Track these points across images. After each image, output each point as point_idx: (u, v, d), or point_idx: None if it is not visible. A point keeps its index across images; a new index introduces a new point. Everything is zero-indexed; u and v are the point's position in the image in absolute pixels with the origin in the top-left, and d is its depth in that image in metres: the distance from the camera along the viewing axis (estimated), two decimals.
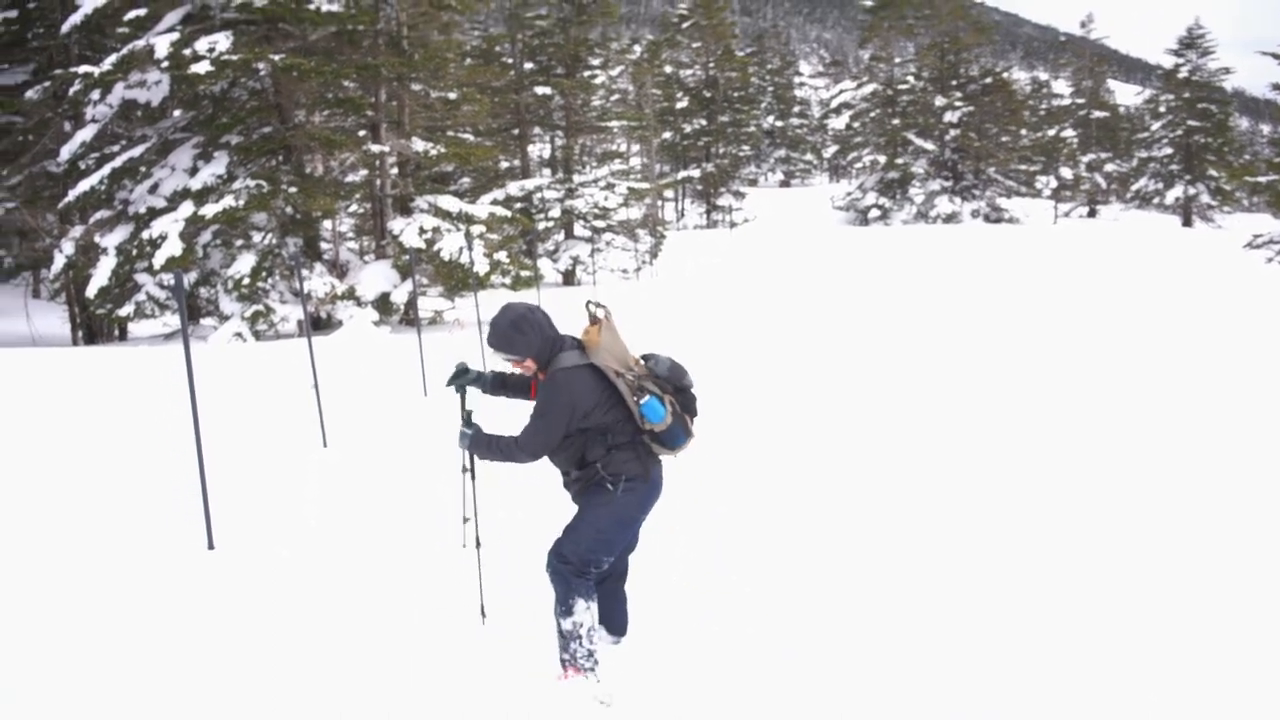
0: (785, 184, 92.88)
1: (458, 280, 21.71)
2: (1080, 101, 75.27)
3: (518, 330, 4.58)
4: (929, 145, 61.69)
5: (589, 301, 4.71)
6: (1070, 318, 18.43)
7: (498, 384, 5.08)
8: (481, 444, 4.70)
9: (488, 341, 4.67)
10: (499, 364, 5.48)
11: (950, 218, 59.19)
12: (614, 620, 5.02)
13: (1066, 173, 66.57)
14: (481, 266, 20.93)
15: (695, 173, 65.69)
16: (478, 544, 5.39)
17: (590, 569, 4.62)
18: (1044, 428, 9.98)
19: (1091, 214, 68.83)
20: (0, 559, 6.77)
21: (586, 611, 4.58)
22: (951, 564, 6.22)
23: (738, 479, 8.37)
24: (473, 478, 5.34)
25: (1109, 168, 71.27)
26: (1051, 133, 68.19)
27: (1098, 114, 74.49)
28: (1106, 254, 35.51)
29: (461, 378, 5.05)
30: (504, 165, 35.77)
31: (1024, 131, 66.33)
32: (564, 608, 4.58)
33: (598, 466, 4.58)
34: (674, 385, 4.73)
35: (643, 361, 4.79)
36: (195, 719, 4.52)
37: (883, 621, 5.39)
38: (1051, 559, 6.26)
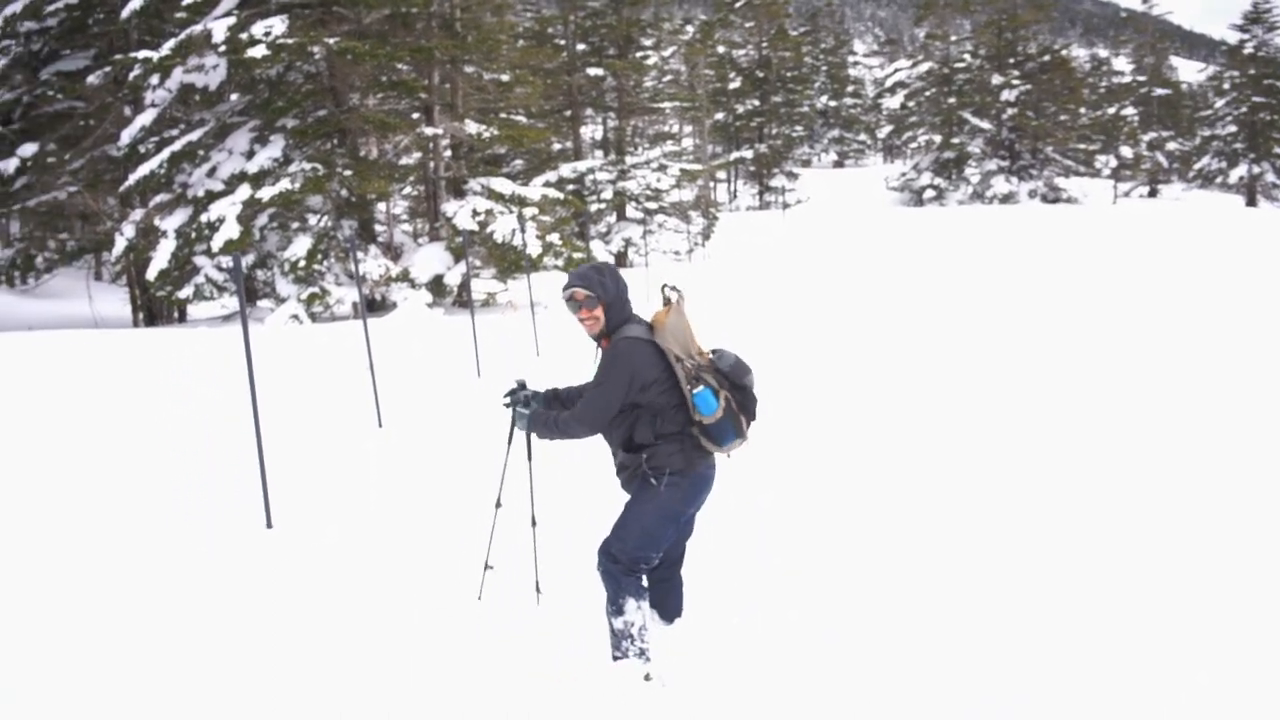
0: (839, 164, 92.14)
1: (510, 262, 21.79)
2: (1141, 79, 73.83)
3: (598, 271, 4.58)
4: (985, 124, 60.91)
5: (665, 285, 4.66)
6: (1130, 302, 18.11)
7: (551, 399, 5.02)
8: (540, 422, 4.67)
9: (566, 284, 4.58)
10: (546, 371, 5.64)
11: (1007, 198, 58.43)
12: (666, 605, 4.95)
13: (1126, 152, 65.31)
14: (534, 248, 20.98)
15: (748, 154, 65.30)
16: (533, 522, 5.42)
17: (640, 565, 4.58)
18: (1105, 418, 9.84)
19: (1152, 194, 67.64)
20: (66, 537, 6.93)
21: (638, 611, 4.54)
22: (1007, 557, 6.16)
23: (786, 467, 8.34)
24: (529, 458, 5.31)
25: (1170, 146, 70.05)
26: (1111, 111, 66.90)
27: (1159, 91, 73.07)
28: (1168, 235, 34.84)
29: (519, 395, 4.96)
30: (556, 147, 35.75)
31: (1083, 110, 65.15)
32: (615, 607, 4.55)
33: (642, 459, 4.52)
34: (733, 382, 4.61)
35: (707, 353, 4.68)
36: (255, 694, 4.60)
37: (925, 611, 5.35)
38: (1108, 553, 6.18)
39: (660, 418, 4.50)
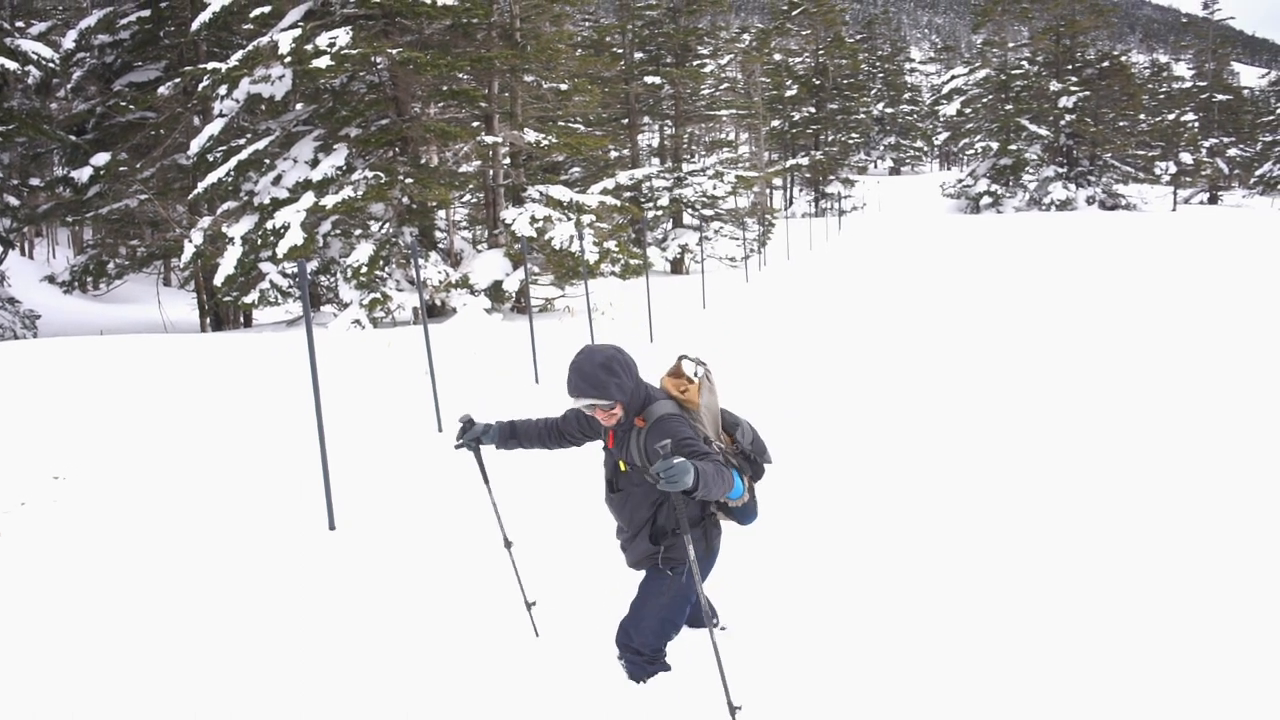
0: (895, 171, 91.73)
1: (568, 269, 22.00)
2: (1202, 84, 72.85)
3: (609, 372, 4.07)
4: (1043, 131, 60.40)
5: (685, 356, 4.39)
6: (1185, 310, 17.91)
7: (507, 435, 4.73)
8: (710, 478, 3.82)
9: (570, 388, 4.12)
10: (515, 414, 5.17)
11: (1064, 204, 57.89)
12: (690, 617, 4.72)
13: (1186, 158, 64.44)
14: (591, 255, 21.18)
15: (804, 160, 65.26)
16: (507, 543, 5.27)
17: (663, 650, 4.43)
18: (1146, 425, 9.81)
19: (1213, 200, 66.63)
20: (133, 539, 7.19)
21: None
22: (1042, 564, 6.23)
23: (834, 475, 8.44)
24: (486, 481, 5.12)
25: (1231, 152, 68.97)
26: (1171, 117, 66.18)
27: (1220, 97, 72.02)
28: (1228, 242, 34.33)
29: (470, 433, 4.69)
30: (614, 154, 36.05)
31: (1142, 116, 64.49)
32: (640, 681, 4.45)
33: (660, 551, 4.28)
34: (753, 460, 4.43)
35: (725, 433, 4.44)
36: (313, 692, 4.79)
37: (940, 611, 5.43)
38: (1135, 559, 6.22)
39: (687, 502, 4.16)
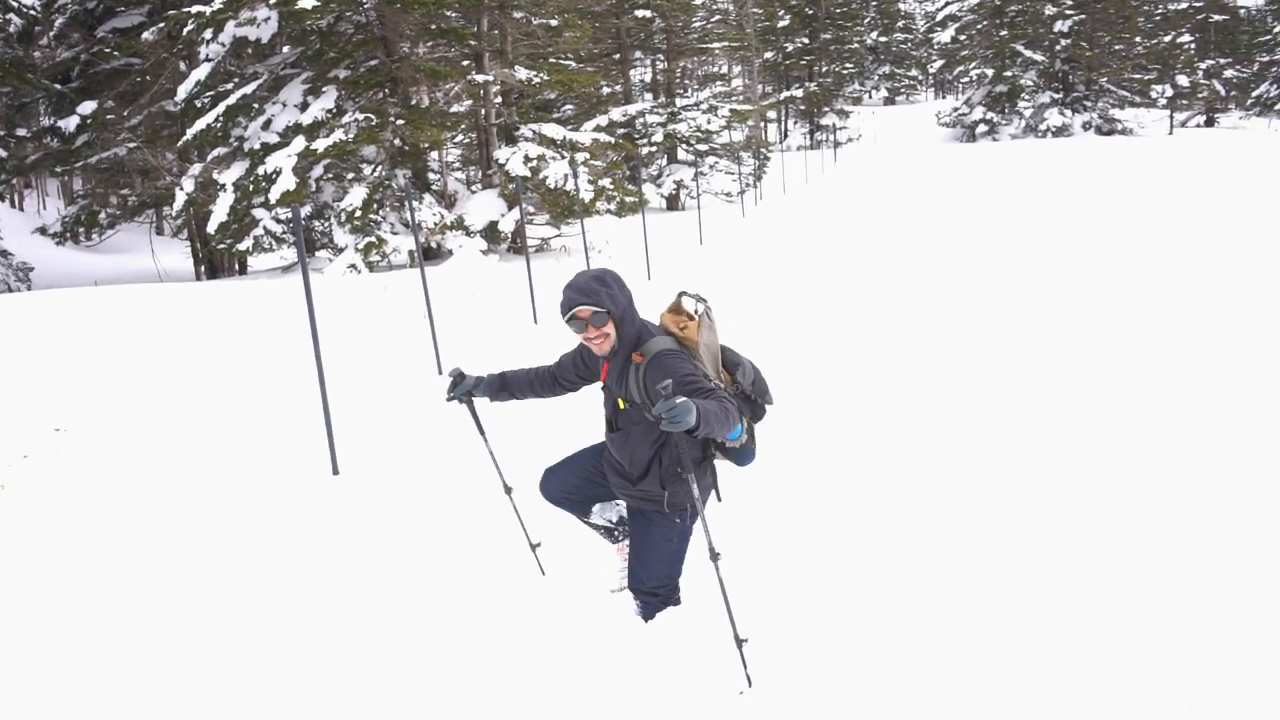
0: (890, 101, 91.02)
1: (563, 208, 21.85)
2: (1198, 4, 71.77)
3: (601, 282, 4.04)
4: (1038, 56, 59.84)
5: (685, 293, 4.26)
6: (1188, 239, 17.80)
7: (498, 387, 4.70)
8: (713, 416, 3.71)
9: (563, 305, 4.06)
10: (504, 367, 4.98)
11: (1060, 130, 57.48)
12: None
13: (1183, 80, 63.75)
14: (586, 193, 21.03)
15: (798, 92, 64.60)
16: (507, 489, 5.26)
17: (676, 584, 4.41)
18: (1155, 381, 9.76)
19: (1209, 123, 66.15)
20: (137, 489, 7.19)
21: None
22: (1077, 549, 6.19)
23: (835, 411, 8.42)
24: (481, 431, 5.10)
25: (1228, 74, 68.33)
26: (1167, 39, 65.22)
27: (1216, 18, 71.08)
28: (1225, 165, 34.11)
29: (461, 386, 4.66)
30: (606, 91, 35.66)
31: (1138, 39, 63.58)
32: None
33: (664, 496, 4.21)
34: (753, 400, 4.37)
35: (726, 372, 4.35)
36: (323, 635, 4.80)
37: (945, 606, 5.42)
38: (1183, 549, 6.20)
39: (690, 442, 4.11)
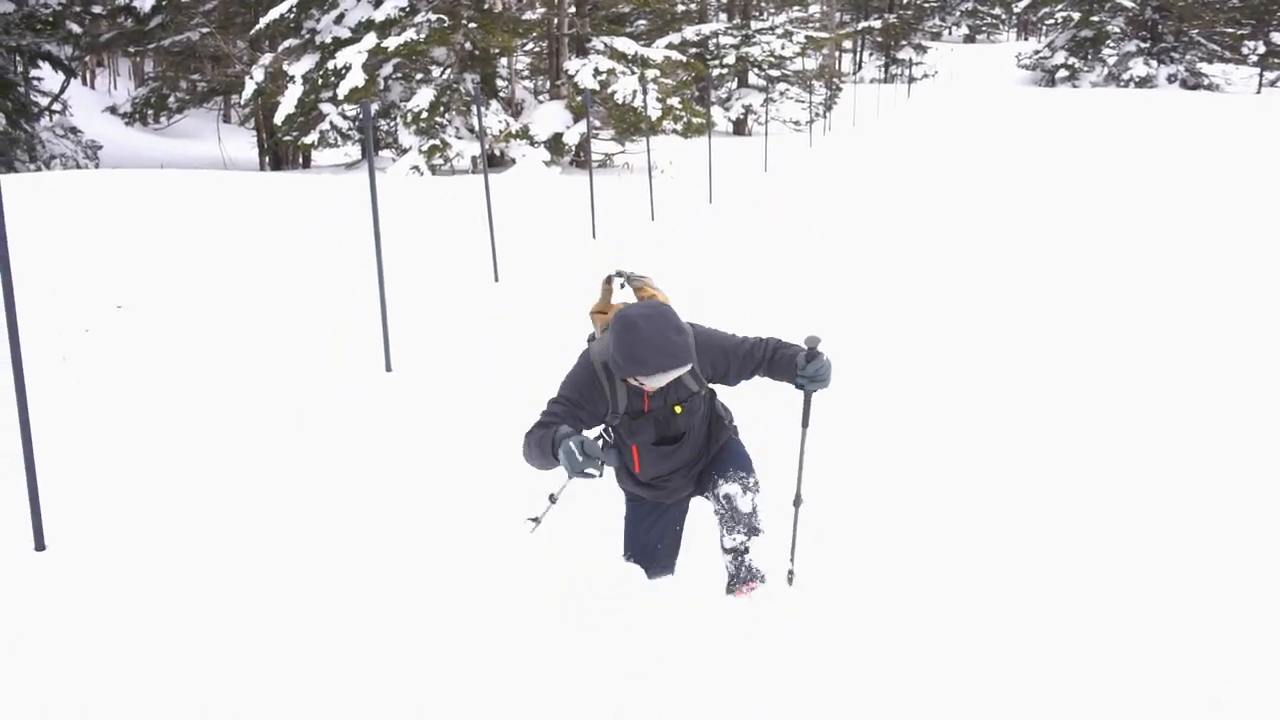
0: (970, 39, 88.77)
1: (630, 124, 21.69)
2: None
3: (680, 332, 3.38)
4: (1128, 2, 57.98)
5: (615, 274, 3.93)
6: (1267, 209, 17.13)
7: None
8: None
9: (648, 369, 3.34)
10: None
11: (1144, 81, 55.90)
12: None
13: (1277, 38, 61.55)
14: (654, 111, 20.83)
15: (876, 23, 63.36)
16: None
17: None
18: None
19: None
20: (193, 371, 7.30)
21: None
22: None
23: (892, 350, 8.32)
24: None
25: None
26: None
27: None
28: None
29: (592, 456, 3.32)
30: (681, 9, 35.10)
31: None
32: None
33: (724, 419, 3.95)
34: None
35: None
36: (378, 522, 4.86)
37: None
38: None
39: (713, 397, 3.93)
